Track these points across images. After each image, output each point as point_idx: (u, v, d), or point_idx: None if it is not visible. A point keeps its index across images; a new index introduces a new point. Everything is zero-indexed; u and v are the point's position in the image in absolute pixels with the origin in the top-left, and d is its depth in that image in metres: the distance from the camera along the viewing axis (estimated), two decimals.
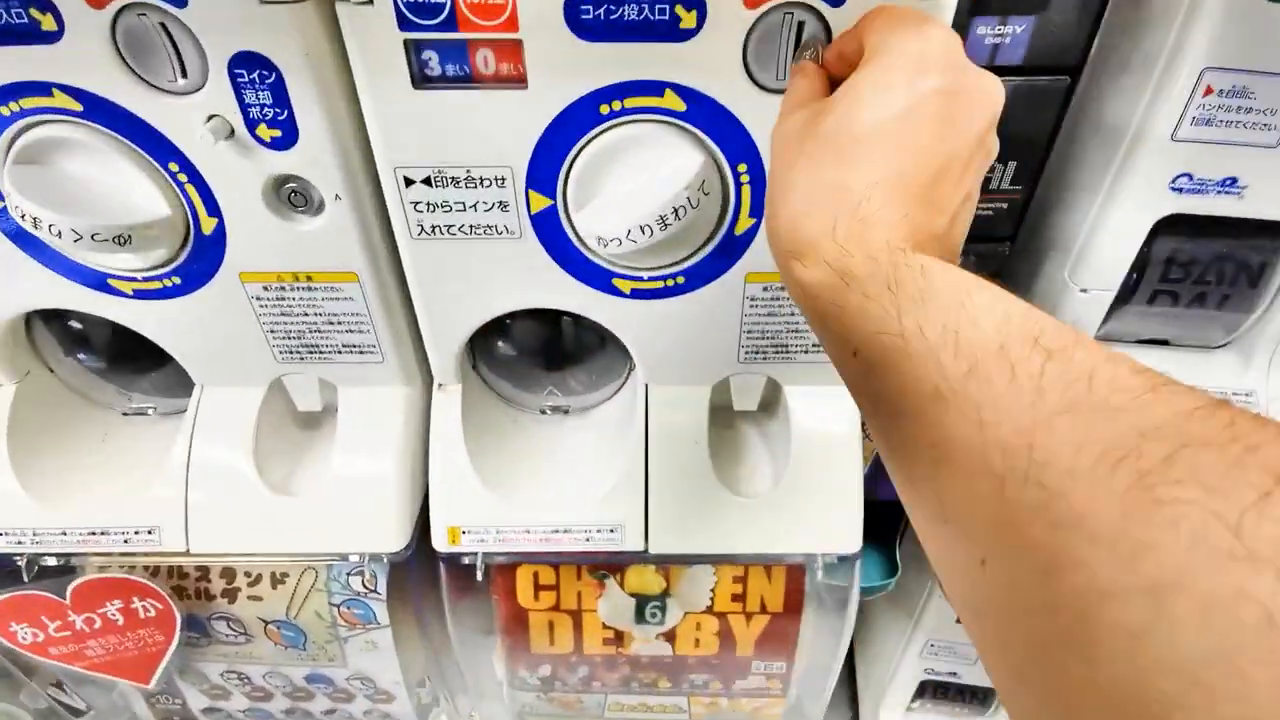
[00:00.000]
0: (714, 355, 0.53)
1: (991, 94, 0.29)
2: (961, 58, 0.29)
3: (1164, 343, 0.62)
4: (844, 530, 0.55)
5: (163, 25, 0.37)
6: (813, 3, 0.37)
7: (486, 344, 0.57)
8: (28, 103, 0.40)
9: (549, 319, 0.54)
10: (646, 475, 0.54)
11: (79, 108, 0.40)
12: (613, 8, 0.37)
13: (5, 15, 0.37)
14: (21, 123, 0.41)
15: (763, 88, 0.40)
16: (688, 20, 0.37)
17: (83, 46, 0.38)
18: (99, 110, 0.40)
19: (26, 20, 0.37)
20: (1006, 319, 0.23)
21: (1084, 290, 0.55)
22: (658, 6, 0.37)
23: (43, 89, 0.39)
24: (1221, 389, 0.60)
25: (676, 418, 0.55)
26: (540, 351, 0.58)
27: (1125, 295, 0.56)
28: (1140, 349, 0.62)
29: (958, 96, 0.29)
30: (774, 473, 0.57)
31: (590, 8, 0.37)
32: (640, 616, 0.60)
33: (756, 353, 0.53)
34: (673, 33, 0.38)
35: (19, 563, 0.54)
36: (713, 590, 0.60)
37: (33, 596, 0.54)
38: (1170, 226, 0.52)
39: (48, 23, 0.37)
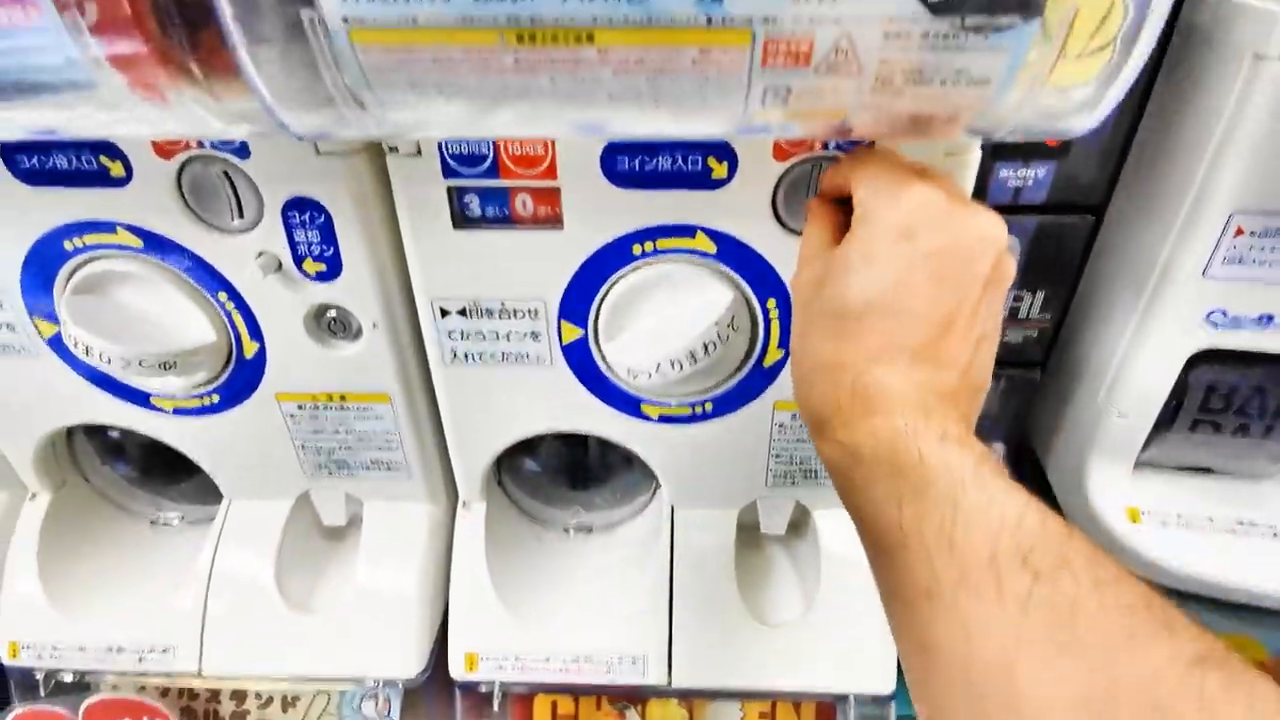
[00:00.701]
0: (741, 480, 0.52)
1: (988, 236, 0.29)
2: (947, 211, 0.29)
3: (1208, 470, 0.60)
4: (878, 666, 0.53)
5: (225, 173, 0.40)
6: (840, 156, 0.38)
7: (513, 461, 0.57)
8: (91, 239, 0.42)
9: (576, 437, 0.54)
10: (671, 602, 0.52)
11: (139, 244, 0.42)
12: (647, 159, 0.39)
13: (77, 161, 0.39)
14: (83, 256, 0.43)
15: (792, 230, 0.41)
16: (719, 171, 0.39)
17: (149, 191, 0.40)
18: (158, 246, 0.42)
19: (97, 166, 0.39)
20: (999, 528, 0.23)
21: (1121, 416, 0.54)
22: (690, 158, 0.39)
23: (107, 227, 0.42)
24: (1270, 521, 0.58)
25: (702, 541, 0.54)
26: (566, 469, 0.57)
27: (1166, 421, 0.55)
28: (1185, 476, 0.60)
29: (950, 252, 0.29)
30: (803, 600, 0.55)
31: (625, 158, 0.39)
32: None
33: (784, 477, 0.52)
34: (705, 182, 0.39)
35: (38, 677, 0.53)
36: None
37: (46, 713, 0.53)
38: (1208, 356, 0.51)
39: (117, 169, 0.39)
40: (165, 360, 0.43)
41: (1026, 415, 0.60)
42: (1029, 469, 0.65)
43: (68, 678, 0.53)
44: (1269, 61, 0.39)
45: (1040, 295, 0.53)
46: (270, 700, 0.55)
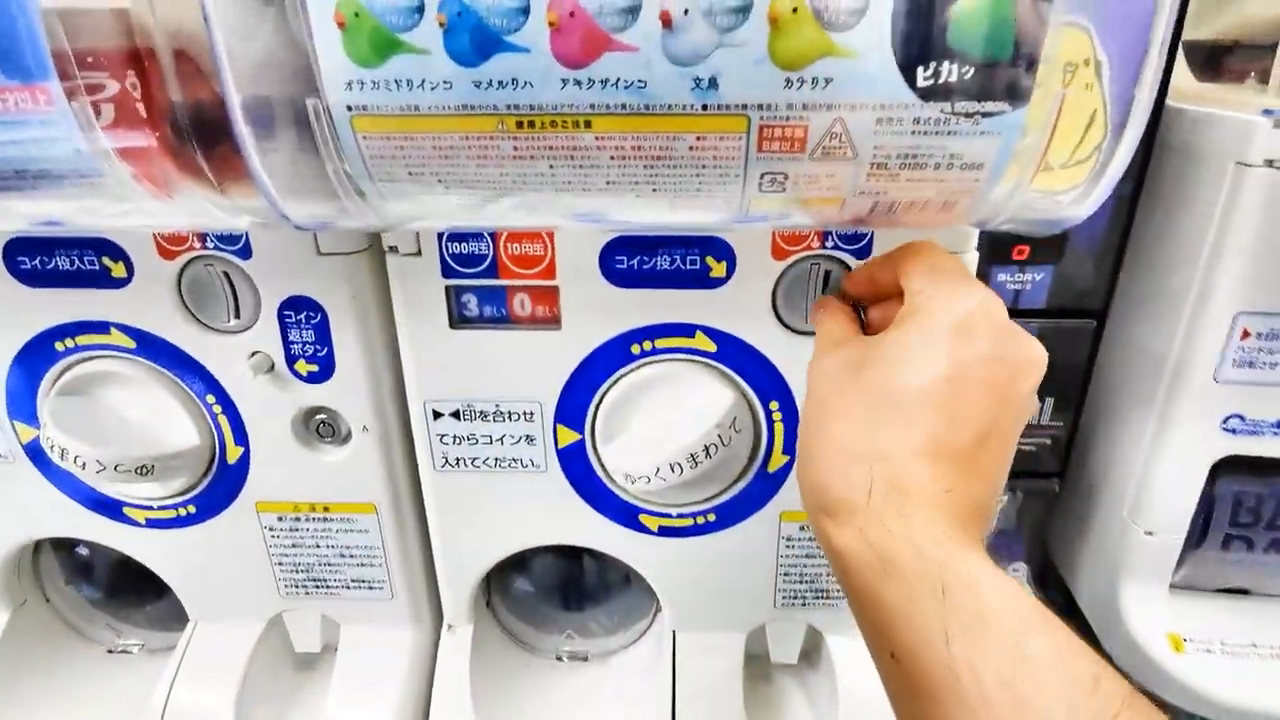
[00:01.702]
0: (748, 599, 0.49)
1: (1036, 361, 0.29)
2: (1006, 321, 0.29)
3: (1245, 592, 0.56)
4: None
5: (225, 274, 0.40)
6: (838, 255, 0.38)
7: (502, 579, 0.53)
8: (84, 339, 0.42)
9: (570, 554, 0.51)
10: None
11: (132, 345, 0.42)
12: (645, 258, 0.39)
13: (79, 262, 0.40)
14: (74, 357, 0.42)
15: (792, 330, 0.40)
16: (718, 269, 0.39)
17: (148, 292, 0.40)
18: (150, 347, 0.42)
19: (98, 267, 0.40)
20: (1074, 690, 0.20)
21: (1149, 533, 0.51)
22: (689, 257, 0.39)
23: (101, 328, 0.41)
24: None
25: (707, 669, 0.49)
26: (559, 589, 0.54)
27: (1197, 539, 0.52)
28: (1222, 598, 0.56)
29: (1004, 363, 0.28)
30: None
31: (624, 257, 0.39)
32: None
33: (795, 597, 0.48)
34: (703, 281, 0.39)
35: None
36: None
37: None
38: (1232, 466, 0.49)
39: (118, 270, 0.40)
40: (143, 465, 0.41)
41: (1047, 531, 0.57)
42: (1055, 590, 0.61)
43: None
44: (1253, 168, 0.40)
45: (1050, 401, 0.51)
46: None
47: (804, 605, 0.49)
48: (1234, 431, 0.48)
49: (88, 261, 0.40)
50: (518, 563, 0.51)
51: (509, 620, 0.54)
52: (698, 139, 0.26)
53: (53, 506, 0.47)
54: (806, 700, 0.53)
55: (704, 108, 0.25)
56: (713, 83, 0.24)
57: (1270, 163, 0.41)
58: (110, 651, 0.55)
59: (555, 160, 0.26)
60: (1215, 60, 0.53)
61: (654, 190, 0.27)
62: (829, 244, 0.38)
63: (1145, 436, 0.50)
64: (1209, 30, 0.50)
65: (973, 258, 0.39)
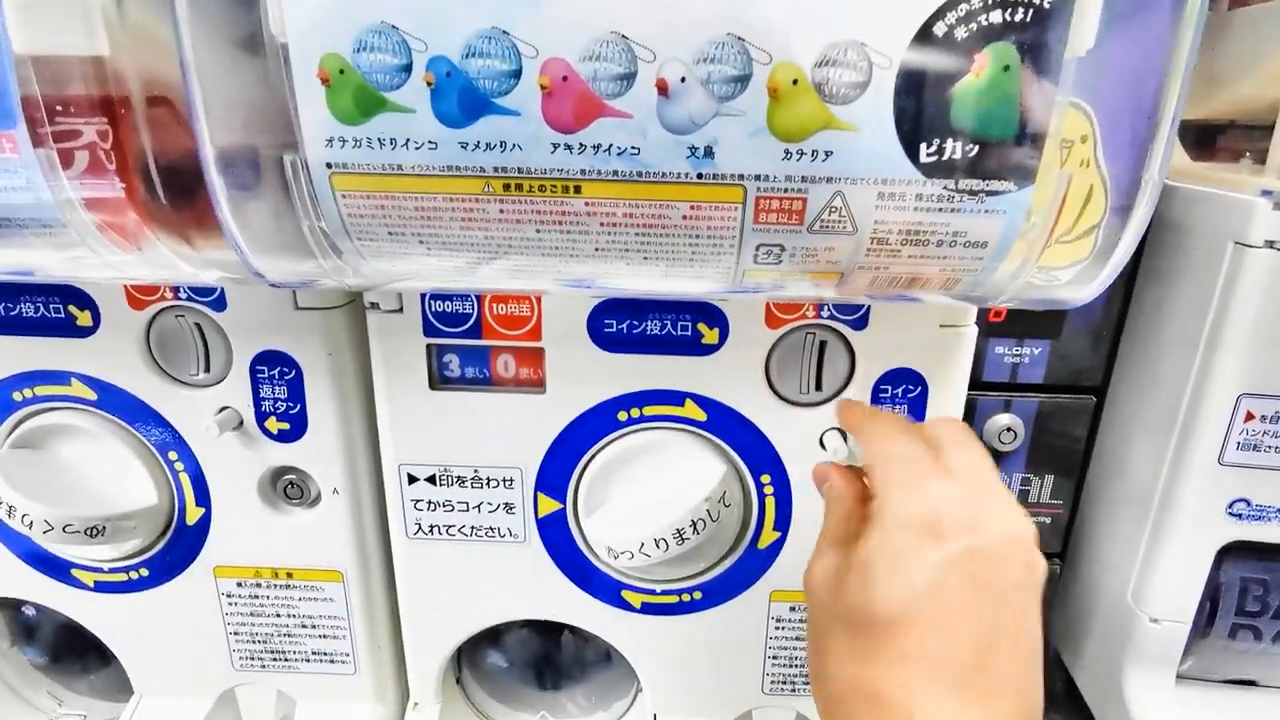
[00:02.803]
0: (734, 684, 0.46)
1: (1014, 536, 0.26)
2: (972, 509, 0.26)
3: (1252, 683, 0.54)
4: None
5: (197, 325, 0.38)
6: (834, 325, 0.37)
7: (474, 653, 0.50)
8: (42, 390, 0.40)
9: (548, 629, 0.49)
10: None
11: (93, 396, 0.40)
12: (635, 322, 0.38)
13: (43, 309, 0.38)
14: (31, 408, 0.40)
15: (786, 400, 0.39)
16: (710, 336, 0.38)
17: (114, 342, 0.38)
18: (112, 399, 0.40)
19: (63, 315, 0.38)
20: None
21: (1154, 620, 0.49)
22: (680, 323, 0.38)
23: (62, 378, 0.39)
24: None
25: None
26: (535, 665, 0.51)
27: (1203, 626, 0.50)
28: (1230, 690, 0.53)
29: (980, 555, 0.25)
30: None
31: (613, 321, 0.38)
32: None
33: (783, 683, 0.46)
34: (695, 347, 0.38)
35: None
36: None
37: None
38: (1239, 552, 0.47)
39: (84, 319, 0.38)
40: (93, 526, 0.38)
41: (1048, 614, 0.55)
42: (1057, 678, 0.58)
43: None
44: (1253, 249, 0.40)
45: (1049, 479, 0.50)
46: None
47: (793, 692, 0.46)
48: (1240, 516, 0.46)
49: (53, 309, 0.38)
50: (491, 637, 0.48)
51: (479, 698, 0.51)
52: (692, 208, 0.25)
53: None
54: None
55: (699, 176, 0.24)
56: (709, 152, 0.23)
57: (1271, 244, 0.40)
58: None
59: (543, 225, 0.25)
60: (1208, 139, 0.54)
61: (645, 258, 0.26)
62: (824, 313, 0.37)
63: (1148, 518, 0.49)
64: (1202, 110, 0.51)
65: (971, 331, 0.38)
